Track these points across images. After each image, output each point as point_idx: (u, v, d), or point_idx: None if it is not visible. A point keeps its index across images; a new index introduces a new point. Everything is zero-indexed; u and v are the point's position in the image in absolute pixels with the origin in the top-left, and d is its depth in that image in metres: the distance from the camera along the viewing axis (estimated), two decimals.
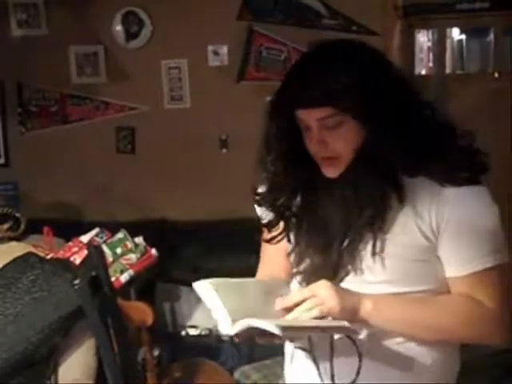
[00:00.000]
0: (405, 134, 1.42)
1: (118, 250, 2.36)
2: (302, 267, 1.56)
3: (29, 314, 2.02)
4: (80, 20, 3.97)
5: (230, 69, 3.95)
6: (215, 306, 1.43)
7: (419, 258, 1.48)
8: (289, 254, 1.60)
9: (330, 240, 1.49)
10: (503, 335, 1.49)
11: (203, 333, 3.53)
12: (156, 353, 2.68)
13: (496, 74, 4.12)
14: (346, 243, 1.48)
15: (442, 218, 1.44)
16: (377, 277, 1.48)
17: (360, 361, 1.50)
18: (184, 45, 3.96)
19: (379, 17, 3.84)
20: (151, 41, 4.01)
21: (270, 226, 1.61)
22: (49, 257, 2.34)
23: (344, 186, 1.46)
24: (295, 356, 1.63)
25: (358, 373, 1.51)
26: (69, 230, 2.70)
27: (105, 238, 2.41)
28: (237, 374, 3.05)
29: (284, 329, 1.35)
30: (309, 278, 1.53)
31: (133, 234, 2.54)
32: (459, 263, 1.46)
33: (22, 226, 2.61)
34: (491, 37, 4.16)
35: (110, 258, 2.32)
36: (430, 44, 4.30)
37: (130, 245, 2.38)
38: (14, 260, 2.22)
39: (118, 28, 4.00)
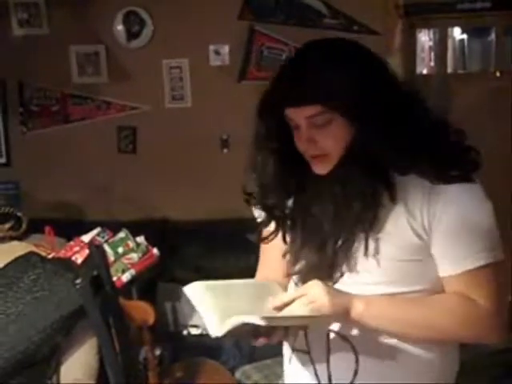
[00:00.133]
0: (394, 132, 1.42)
1: (120, 250, 2.36)
2: (297, 267, 1.56)
3: (30, 314, 2.02)
4: (81, 20, 3.97)
5: (231, 68, 3.95)
6: (203, 309, 1.43)
7: (413, 257, 1.47)
8: (284, 255, 1.60)
9: (323, 239, 1.49)
10: (499, 334, 1.47)
11: (205, 332, 3.52)
12: (157, 352, 2.68)
13: (497, 74, 4.12)
14: (339, 243, 1.48)
15: (433, 215, 1.43)
16: (372, 277, 1.48)
17: (357, 362, 1.50)
18: (185, 44, 3.96)
19: (380, 16, 3.84)
20: (152, 40, 4.01)
21: (263, 225, 1.61)
22: (50, 256, 2.34)
23: (334, 183, 1.46)
24: (293, 357, 1.63)
25: (355, 374, 1.51)
26: (70, 229, 2.70)
27: (106, 237, 2.41)
28: (238, 374, 3.05)
29: (267, 319, 1.35)
30: (304, 277, 1.53)
31: (134, 233, 2.54)
32: (452, 261, 1.45)
33: (24, 226, 2.61)
34: (492, 36, 4.16)
35: (111, 258, 2.32)
36: (431, 43, 4.30)
37: (131, 244, 2.38)
38: (16, 259, 2.23)
39: (119, 28, 4.00)
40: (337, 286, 1.49)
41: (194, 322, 3.60)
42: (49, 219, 3.06)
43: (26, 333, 1.99)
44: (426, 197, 1.43)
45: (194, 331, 3.56)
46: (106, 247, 2.34)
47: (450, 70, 4.33)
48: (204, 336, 3.53)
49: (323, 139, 1.45)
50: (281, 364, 1.72)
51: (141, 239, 2.43)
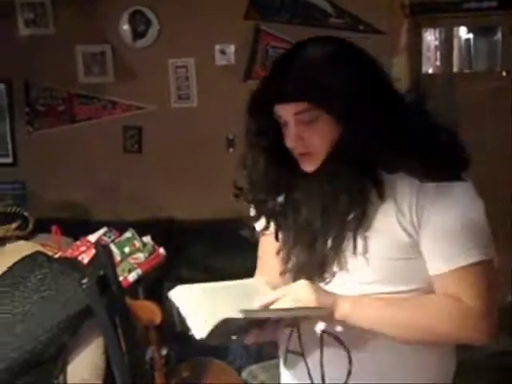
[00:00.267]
0: (382, 130, 1.42)
1: (126, 250, 2.35)
2: (289, 265, 1.56)
3: (37, 313, 2.02)
4: (87, 19, 3.97)
5: (236, 68, 3.95)
6: (187, 312, 1.43)
7: (403, 255, 1.47)
8: (278, 252, 1.60)
9: (313, 237, 1.50)
10: (488, 334, 1.46)
11: None
12: (164, 352, 2.68)
13: (504, 73, 4.11)
14: (329, 241, 1.48)
15: (421, 213, 1.43)
16: (363, 276, 1.48)
17: (350, 362, 1.50)
18: (191, 44, 3.96)
19: (386, 16, 3.83)
20: (158, 40, 4.02)
21: (253, 221, 1.63)
22: (57, 256, 2.34)
23: (322, 180, 1.47)
24: (288, 358, 1.63)
25: (348, 374, 1.51)
26: (76, 229, 2.70)
27: (113, 237, 2.41)
28: (244, 374, 3.05)
29: (246, 312, 1.36)
30: (295, 276, 1.53)
31: (140, 233, 2.54)
32: (441, 259, 1.45)
33: (31, 225, 2.61)
34: (499, 36, 4.16)
35: (117, 258, 2.32)
36: (437, 43, 4.30)
37: (137, 244, 2.37)
38: (23, 259, 2.23)
39: (125, 27, 4.01)
40: (328, 286, 1.50)
41: None
42: (55, 219, 3.06)
43: (33, 332, 1.99)
44: (415, 195, 1.43)
45: None
46: (113, 247, 2.34)
47: (455, 69, 4.32)
48: None
49: (310, 136, 1.46)
50: None
51: (147, 239, 2.42)
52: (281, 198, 1.56)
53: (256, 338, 1.46)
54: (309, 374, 1.56)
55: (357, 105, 1.41)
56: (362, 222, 1.45)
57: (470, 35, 4.36)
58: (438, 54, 4.30)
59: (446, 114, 4.12)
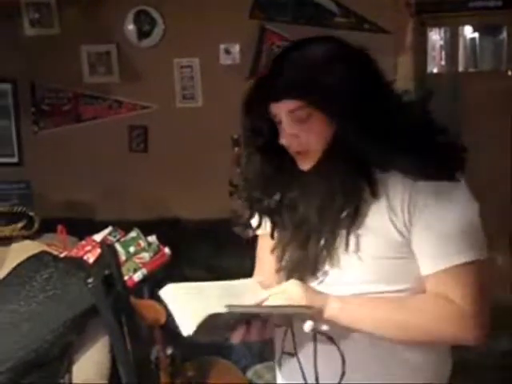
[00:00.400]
0: (375, 129, 1.42)
1: (131, 249, 2.36)
2: (283, 263, 1.57)
3: (43, 313, 2.03)
4: (92, 19, 3.98)
5: (241, 67, 3.95)
6: (175, 310, 1.44)
7: (395, 254, 1.47)
8: (273, 250, 1.61)
9: (307, 235, 1.50)
10: (478, 335, 1.45)
11: None
12: (169, 352, 2.67)
13: (509, 72, 4.11)
14: (322, 238, 1.48)
15: (413, 212, 1.43)
16: (356, 275, 1.48)
17: (343, 363, 1.50)
18: (196, 43, 3.96)
19: (391, 15, 3.83)
20: (163, 40, 4.02)
21: (247, 219, 1.63)
22: (62, 255, 2.35)
23: (317, 178, 1.48)
24: (283, 359, 1.63)
25: (342, 375, 1.51)
26: (81, 228, 2.70)
27: (118, 236, 2.41)
28: (250, 373, 3.05)
29: (231, 308, 1.36)
30: (289, 274, 1.54)
31: (145, 232, 2.55)
32: (431, 259, 1.45)
33: (36, 225, 2.62)
34: (504, 35, 4.15)
35: (123, 257, 2.32)
36: (442, 42, 4.29)
37: (143, 244, 2.38)
38: (28, 258, 2.23)
39: (130, 27, 4.01)
40: (321, 284, 1.50)
41: None
42: (60, 218, 3.07)
43: (38, 332, 2.00)
44: (408, 193, 1.43)
45: None
46: (118, 246, 2.34)
47: (461, 68, 4.32)
48: None
49: (304, 135, 1.47)
50: None
51: (152, 238, 2.43)
52: (276, 196, 1.56)
53: (244, 336, 1.45)
54: (303, 374, 1.56)
55: (350, 103, 1.42)
56: (354, 219, 1.45)
57: (476, 34, 4.35)
58: (443, 53, 4.29)
59: (452, 114, 4.12)
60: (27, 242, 2.55)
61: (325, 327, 1.47)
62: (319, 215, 1.47)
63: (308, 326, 1.43)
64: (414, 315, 1.46)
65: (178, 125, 4.03)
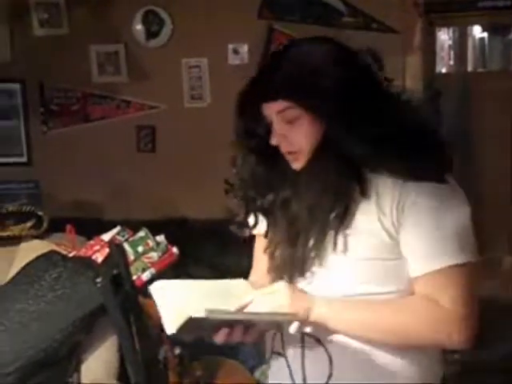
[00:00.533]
0: (365, 129, 1.42)
1: (140, 249, 2.36)
2: (274, 263, 1.58)
3: (52, 312, 2.04)
4: (101, 19, 3.99)
5: (250, 67, 3.94)
6: (162, 307, 1.44)
7: (384, 255, 1.46)
8: (264, 251, 1.62)
9: (297, 234, 1.51)
10: (465, 338, 1.44)
11: None
12: (177, 351, 2.68)
13: None
14: (312, 238, 1.49)
15: (402, 213, 1.43)
16: (343, 276, 1.48)
17: (331, 364, 1.50)
18: (204, 44, 3.96)
19: (400, 15, 3.82)
20: (171, 40, 4.02)
21: (241, 217, 1.65)
22: (71, 255, 2.36)
23: (307, 177, 1.49)
24: (273, 359, 1.63)
25: (329, 377, 1.50)
26: (90, 228, 2.71)
27: (126, 236, 2.41)
28: (257, 374, 3.05)
29: (210, 312, 1.36)
30: (279, 273, 1.55)
31: (153, 232, 2.55)
32: (420, 261, 1.44)
33: (45, 224, 2.63)
34: None
35: (131, 257, 2.32)
36: (451, 42, 4.29)
37: (151, 243, 2.38)
38: (37, 258, 2.24)
39: (139, 27, 4.02)
40: (310, 285, 1.50)
41: None
42: (68, 218, 3.07)
43: (47, 331, 2.00)
44: (397, 194, 1.44)
45: None
46: (126, 246, 2.35)
47: (469, 68, 4.31)
48: None
49: (294, 135, 1.48)
50: None
51: (161, 238, 2.43)
52: (270, 196, 1.57)
53: (227, 338, 1.46)
54: (290, 374, 1.56)
55: (338, 104, 1.42)
56: (343, 219, 1.45)
57: (485, 34, 4.34)
58: (452, 53, 4.29)
59: (460, 113, 4.11)
60: (36, 242, 2.56)
61: (310, 329, 1.47)
62: (309, 214, 1.48)
63: (294, 327, 1.44)
64: (400, 318, 1.46)
65: (186, 125, 4.03)
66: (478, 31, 4.34)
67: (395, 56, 3.78)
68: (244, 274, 1.67)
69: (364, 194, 1.45)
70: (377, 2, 3.84)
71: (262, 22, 3.94)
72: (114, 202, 4.05)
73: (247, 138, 1.57)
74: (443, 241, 1.43)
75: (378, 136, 1.42)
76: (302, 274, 1.51)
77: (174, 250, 2.41)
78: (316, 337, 1.50)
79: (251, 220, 1.64)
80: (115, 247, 2.02)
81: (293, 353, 1.55)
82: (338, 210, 1.45)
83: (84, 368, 2.14)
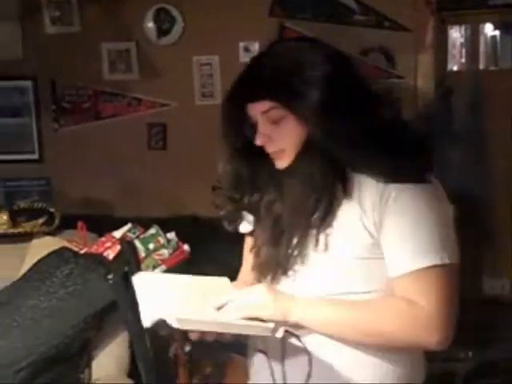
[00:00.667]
0: (348, 130, 1.43)
1: (151, 246, 2.36)
2: (258, 261, 1.59)
3: (63, 308, 2.05)
4: (112, 17, 4.00)
5: None
6: (141, 299, 1.45)
7: (366, 255, 1.47)
8: (251, 250, 1.65)
9: (280, 233, 1.52)
10: (442, 339, 1.44)
11: None
12: (187, 349, 2.69)
13: None
14: (295, 237, 1.50)
15: (383, 213, 1.44)
16: (324, 274, 1.49)
17: (310, 364, 1.50)
18: (215, 41, 3.97)
19: (411, 13, 3.80)
20: (183, 37, 4.03)
21: (231, 216, 1.67)
22: (82, 252, 2.36)
23: (292, 177, 1.50)
24: (254, 357, 1.65)
25: (308, 376, 1.51)
26: (101, 225, 2.72)
27: (137, 233, 2.42)
28: None
29: (181, 322, 1.37)
30: (262, 272, 1.57)
31: (164, 229, 2.55)
32: (398, 261, 1.45)
33: (57, 221, 2.64)
34: None
35: (142, 254, 2.33)
36: (462, 40, 4.27)
37: (162, 240, 2.39)
38: (49, 254, 2.25)
39: (150, 25, 4.03)
40: (291, 284, 1.52)
41: None
42: (80, 215, 3.08)
43: (59, 327, 2.01)
44: (379, 195, 1.44)
45: None
46: (137, 243, 2.35)
47: (481, 66, 4.29)
48: None
49: (278, 135, 1.49)
50: None
51: (171, 235, 2.43)
52: (256, 195, 1.59)
53: (201, 336, 1.48)
54: (271, 373, 1.57)
55: (321, 105, 1.43)
56: (325, 218, 1.46)
57: (496, 32, 4.31)
58: (464, 51, 4.27)
59: (472, 112, 4.09)
60: (48, 238, 2.57)
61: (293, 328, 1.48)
62: (293, 214, 1.49)
63: (280, 332, 1.44)
64: (379, 318, 1.46)
65: (197, 122, 4.03)
66: (489, 29, 4.32)
67: (407, 54, 3.78)
68: None
69: (347, 193, 1.46)
70: (389, 0, 3.83)
71: (273, 20, 3.93)
72: (125, 199, 4.06)
73: (233, 139, 1.58)
74: (423, 241, 1.43)
75: (362, 136, 1.43)
76: (285, 272, 1.53)
77: (185, 247, 2.42)
78: (296, 335, 1.51)
79: (237, 217, 1.66)
80: (126, 244, 2.03)
81: (274, 351, 1.55)
82: (320, 209, 1.46)
83: (95, 364, 2.15)
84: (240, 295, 1.48)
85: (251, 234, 1.66)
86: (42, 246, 2.39)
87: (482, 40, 4.28)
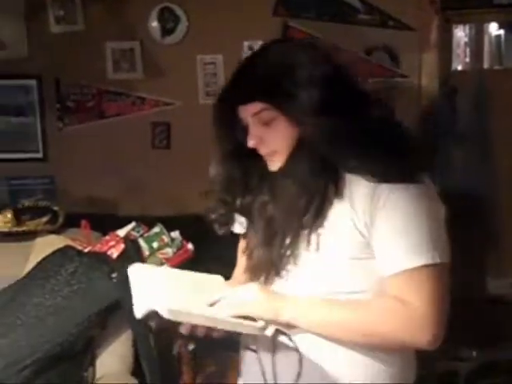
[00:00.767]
0: (339, 131, 1.43)
1: (155, 244, 2.37)
2: (251, 263, 1.60)
3: (68, 307, 2.05)
4: (116, 16, 4.00)
5: None
6: (134, 290, 1.46)
7: (357, 255, 1.47)
8: (243, 251, 1.66)
9: (273, 234, 1.52)
10: (432, 339, 1.44)
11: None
12: (191, 347, 2.69)
13: None
14: (287, 238, 1.50)
15: (374, 213, 1.44)
16: (317, 275, 1.49)
17: (300, 363, 1.50)
18: (219, 40, 3.96)
19: (416, 12, 3.80)
20: (187, 37, 4.02)
21: (223, 218, 1.70)
22: (86, 250, 2.37)
23: (285, 178, 1.50)
24: (245, 356, 1.65)
25: (298, 375, 1.51)
26: (104, 224, 2.72)
27: (141, 232, 2.43)
28: None
29: (173, 313, 1.37)
30: (255, 273, 1.57)
31: (168, 228, 2.55)
32: (389, 261, 1.45)
33: (61, 220, 2.65)
34: None
35: (146, 252, 2.34)
36: (467, 39, 4.26)
37: (166, 239, 2.39)
38: (53, 253, 2.26)
39: (154, 24, 4.03)
40: (285, 285, 1.52)
41: None
42: (84, 214, 3.09)
43: (64, 325, 2.02)
44: (370, 195, 1.44)
45: None
46: (141, 242, 2.36)
47: (486, 65, 4.28)
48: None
49: (270, 137, 1.50)
50: None
51: (175, 234, 2.44)
52: (249, 197, 1.60)
53: (191, 330, 1.49)
54: (262, 372, 1.57)
55: (312, 106, 1.43)
56: (317, 219, 1.47)
57: (501, 31, 4.31)
58: (468, 50, 4.26)
59: (476, 111, 4.07)
60: (52, 237, 2.58)
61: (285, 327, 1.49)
62: (286, 215, 1.50)
63: (271, 331, 1.46)
64: (369, 317, 1.46)
65: (201, 121, 3.98)
66: (494, 28, 4.31)
67: (411, 53, 3.77)
68: None
69: (338, 193, 1.47)
70: (393, 0, 3.83)
71: (277, 19, 3.93)
72: (129, 198, 4.06)
73: (225, 141, 1.60)
74: (414, 240, 1.43)
75: (352, 136, 1.44)
76: (278, 273, 1.53)
77: (189, 246, 2.43)
78: (287, 334, 1.51)
79: (231, 219, 1.68)
80: (130, 243, 2.03)
81: (264, 350, 1.56)
82: (312, 210, 1.46)
83: (99, 362, 2.16)
84: (232, 293, 1.49)
85: (244, 236, 1.66)
86: (46, 245, 2.40)
87: (486, 39, 4.28)
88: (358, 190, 1.46)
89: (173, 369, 2.45)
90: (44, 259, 2.24)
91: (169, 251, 2.37)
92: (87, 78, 4.10)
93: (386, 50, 3.77)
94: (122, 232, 2.46)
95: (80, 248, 2.36)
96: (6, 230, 2.62)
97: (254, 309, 1.45)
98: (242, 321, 1.44)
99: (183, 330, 1.50)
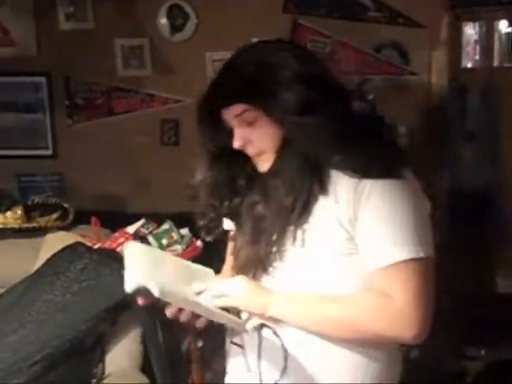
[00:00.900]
0: (319, 129, 1.44)
1: (164, 241, 2.38)
2: (238, 262, 1.61)
3: (77, 303, 2.06)
4: (126, 14, 4.00)
5: None
6: (128, 264, 1.47)
7: (342, 250, 1.48)
8: (231, 252, 1.67)
9: (261, 233, 1.53)
10: (416, 333, 1.44)
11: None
12: (200, 344, 2.70)
13: None
14: (274, 235, 1.51)
15: (358, 209, 1.45)
16: (303, 271, 1.50)
17: (285, 359, 1.51)
18: (228, 37, 3.95)
19: (426, 9, 3.79)
20: (196, 34, 4.02)
21: (212, 222, 1.68)
22: (96, 247, 2.38)
23: (272, 176, 1.52)
24: (231, 351, 1.65)
25: (283, 371, 1.51)
26: (114, 220, 2.73)
27: (151, 228, 2.44)
28: None
29: (164, 293, 1.38)
30: (242, 271, 1.57)
31: (177, 225, 2.56)
32: (373, 256, 1.45)
33: (71, 216, 2.66)
34: None
35: None
36: (477, 37, 4.25)
37: (175, 236, 2.40)
38: (63, 249, 2.27)
39: (163, 21, 4.03)
40: (272, 281, 1.52)
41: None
42: (93, 210, 3.10)
43: (73, 322, 2.03)
44: (353, 190, 1.45)
45: None
46: (151, 239, 2.37)
47: (496, 63, 4.26)
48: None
49: (255, 137, 1.51)
50: None
51: (185, 231, 2.45)
52: (236, 200, 1.61)
53: (176, 314, 1.49)
54: (247, 367, 1.57)
55: (294, 104, 1.44)
56: (303, 215, 1.47)
57: (511, 29, 4.29)
58: (478, 47, 4.25)
59: (486, 108, 4.07)
60: (61, 233, 2.59)
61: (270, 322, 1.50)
62: (274, 213, 1.50)
63: (251, 326, 1.47)
64: (355, 313, 1.46)
65: None
66: (504, 26, 4.29)
67: (421, 51, 3.76)
68: None
69: (323, 189, 1.48)
70: None
71: (286, 17, 3.93)
72: (138, 195, 4.06)
73: (210, 144, 1.62)
74: (399, 235, 1.44)
75: (335, 133, 1.45)
76: (265, 269, 1.54)
77: (199, 243, 2.43)
78: (273, 329, 1.52)
79: (219, 224, 1.67)
80: (140, 240, 2.03)
81: (250, 344, 1.56)
82: (298, 206, 1.48)
83: (108, 359, 2.17)
84: (219, 284, 1.50)
85: (232, 238, 1.66)
86: (56, 241, 2.40)
87: (496, 37, 4.26)
88: (342, 186, 1.47)
89: (182, 365, 2.46)
90: (54, 256, 2.25)
91: (178, 248, 2.38)
92: (96, 75, 4.10)
93: (396, 47, 3.76)
94: (131, 229, 2.47)
95: (90, 245, 2.37)
96: (16, 226, 2.63)
97: (241, 301, 1.46)
98: (226, 314, 1.45)
99: (168, 312, 1.50)
